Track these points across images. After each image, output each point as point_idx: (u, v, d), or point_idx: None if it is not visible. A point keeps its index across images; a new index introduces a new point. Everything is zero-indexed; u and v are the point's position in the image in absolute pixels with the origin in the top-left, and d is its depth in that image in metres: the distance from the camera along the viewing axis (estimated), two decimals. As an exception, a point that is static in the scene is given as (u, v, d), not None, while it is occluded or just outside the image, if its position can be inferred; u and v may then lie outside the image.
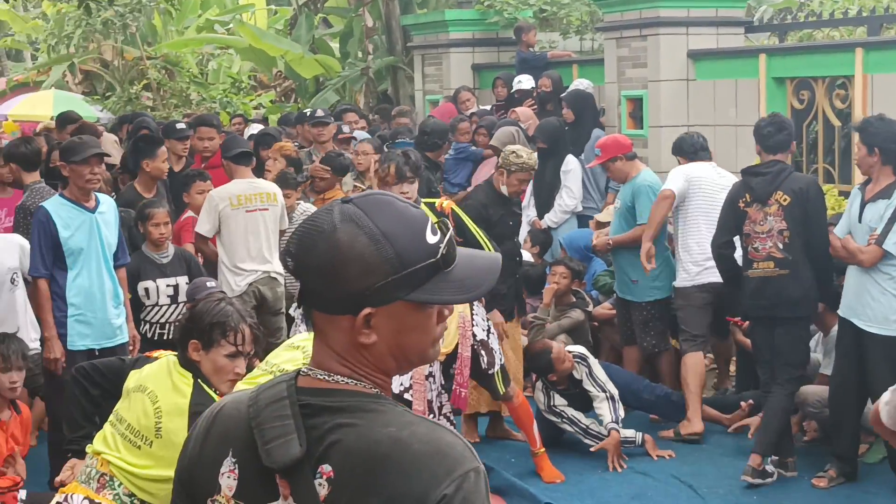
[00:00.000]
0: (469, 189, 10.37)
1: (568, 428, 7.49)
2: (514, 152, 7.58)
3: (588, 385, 7.49)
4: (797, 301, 6.88)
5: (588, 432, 7.40)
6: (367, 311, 2.11)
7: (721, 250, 7.17)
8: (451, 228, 2.19)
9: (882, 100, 9.29)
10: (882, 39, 10.01)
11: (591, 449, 7.31)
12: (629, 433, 7.38)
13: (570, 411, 7.49)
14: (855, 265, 6.61)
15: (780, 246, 6.87)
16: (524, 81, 12.38)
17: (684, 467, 7.22)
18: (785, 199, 6.87)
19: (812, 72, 10.18)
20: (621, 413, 7.47)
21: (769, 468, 6.82)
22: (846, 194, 8.43)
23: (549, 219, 10.23)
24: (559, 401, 7.52)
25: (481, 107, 13.01)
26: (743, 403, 7.83)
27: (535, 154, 7.86)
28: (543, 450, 7.15)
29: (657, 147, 10.81)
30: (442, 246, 2.14)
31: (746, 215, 6.96)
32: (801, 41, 12.13)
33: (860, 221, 6.63)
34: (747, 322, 7.55)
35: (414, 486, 2.04)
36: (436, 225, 2.17)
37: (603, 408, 7.42)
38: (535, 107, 11.71)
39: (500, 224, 7.63)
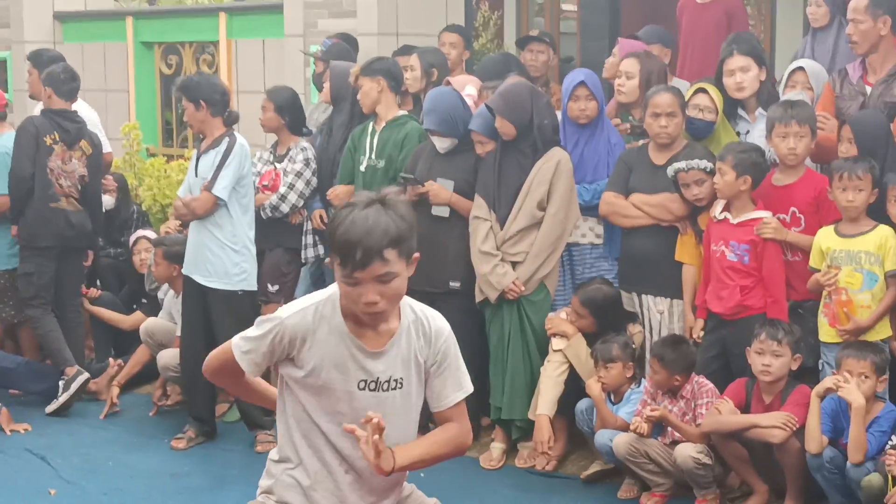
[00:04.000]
0: None
1: None
2: None
3: None
4: (90, 233, 7.67)
5: None
6: None
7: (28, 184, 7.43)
8: None
9: (245, 64, 9.48)
10: (243, 5, 10.20)
11: None
12: None
13: None
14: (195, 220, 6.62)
15: (80, 187, 7.55)
16: None
17: (40, 440, 6.94)
18: (88, 150, 7.58)
19: (179, 37, 10.22)
20: None
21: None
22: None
23: None
24: None
25: None
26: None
27: None
28: None
29: (23, 112, 10.32)
30: None
31: (53, 151, 7.41)
32: (173, 6, 12.14)
33: (196, 176, 6.62)
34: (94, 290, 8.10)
35: None
36: None
37: None
38: None
39: None
